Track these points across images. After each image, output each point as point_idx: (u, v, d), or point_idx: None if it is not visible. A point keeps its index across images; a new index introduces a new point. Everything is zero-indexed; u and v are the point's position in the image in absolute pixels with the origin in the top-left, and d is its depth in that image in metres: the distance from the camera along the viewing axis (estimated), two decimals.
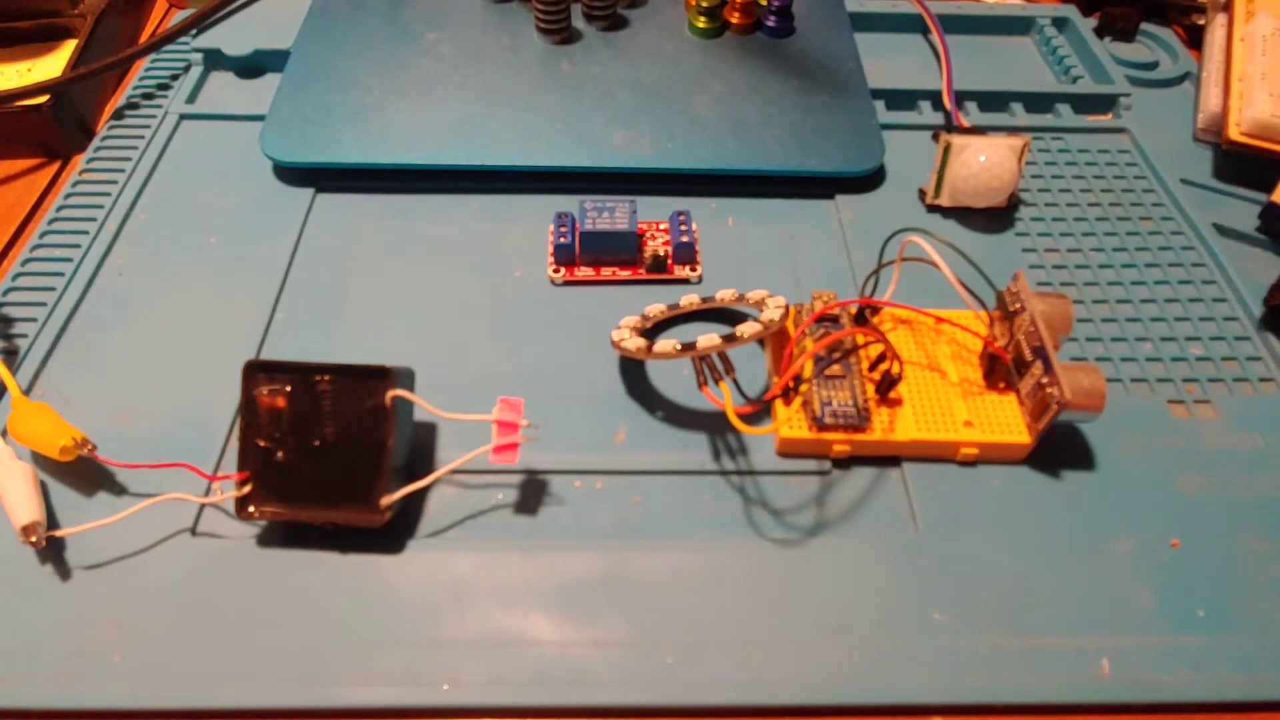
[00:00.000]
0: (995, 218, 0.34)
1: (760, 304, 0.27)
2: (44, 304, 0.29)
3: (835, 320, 0.28)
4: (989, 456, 0.26)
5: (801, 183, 0.34)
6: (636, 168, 0.33)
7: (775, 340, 0.28)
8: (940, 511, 0.25)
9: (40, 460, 0.25)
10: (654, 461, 0.26)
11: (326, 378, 0.23)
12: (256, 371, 0.23)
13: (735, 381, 0.25)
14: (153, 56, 0.39)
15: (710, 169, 0.34)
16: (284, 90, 0.35)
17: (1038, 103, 0.39)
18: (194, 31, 0.39)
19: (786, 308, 0.26)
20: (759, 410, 0.26)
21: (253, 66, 0.39)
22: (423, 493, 0.25)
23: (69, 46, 0.39)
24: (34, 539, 0.22)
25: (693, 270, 0.31)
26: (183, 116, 0.37)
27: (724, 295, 0.29)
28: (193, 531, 0.24)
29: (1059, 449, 0.26)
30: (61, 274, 0.30)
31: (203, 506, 0.25)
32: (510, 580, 0.23)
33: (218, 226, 0.32)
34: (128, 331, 0.29)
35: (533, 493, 0.25)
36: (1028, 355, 0.26)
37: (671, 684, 0.22)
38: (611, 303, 0.30)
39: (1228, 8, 0.39)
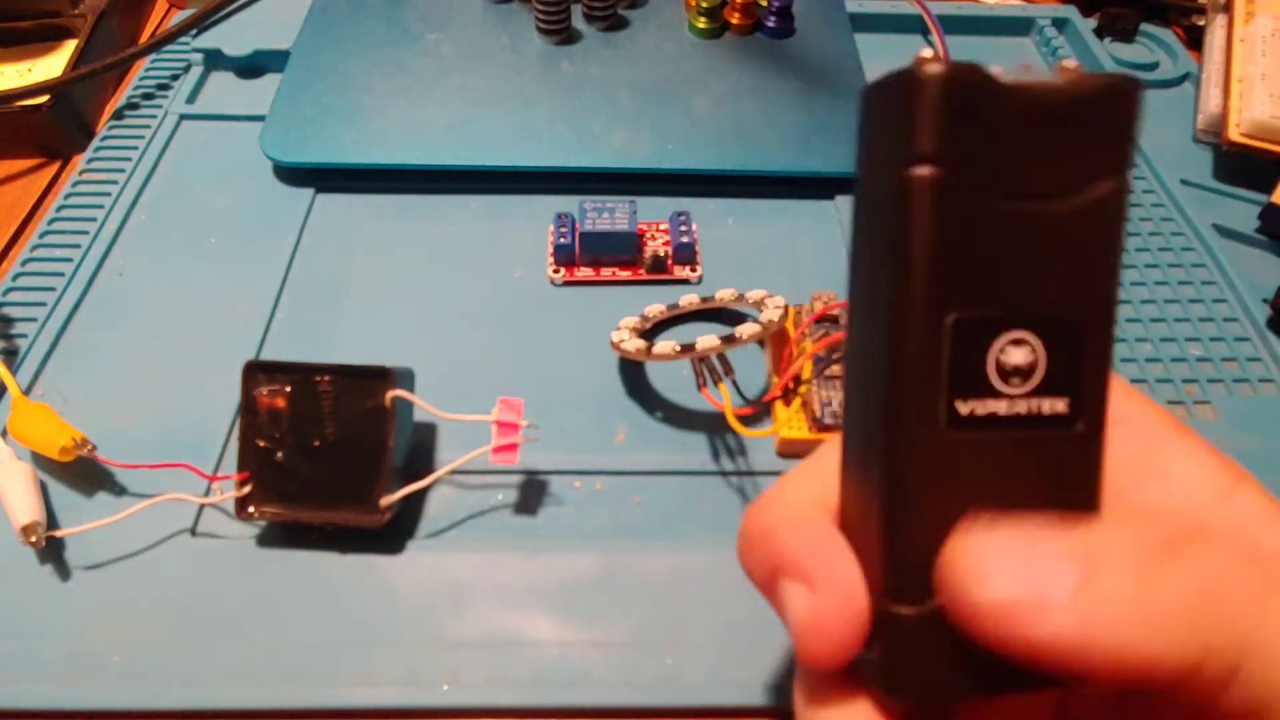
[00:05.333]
0: None
1: (760, 304, 0.27)
2: (44, 304, 0.29)
3: (835, 321, 0.28)
4: None
5: (801, 183, 0.34)
6: (636, 168, 0.33)
7: (775, 341, 0.28)
8: None
9: (40, 460, 0.25)
10: (654, 462, 0.26)
11: (326, 378, 0.23)
12: (256, 371, 0.23)
13: (734, 383, 0.25)
14: (153, 56, 0.39)
15: (710, 169, 0.34)
16: (284, 90, 0.35)
17: None
18: (194, 31, 0.39)
19: (786, 308, 0.26)
20: (759, 411, 0.26)
21: (253, 66, 0.39)
22: (423, 493, 0.25)
23: (69, 46, 0.39)
24: (34, 539, 0.22)
25: (693, 270, 0.31)
26: (183, 116, 0.37)
27: (723, 295, 0.29)
28: (193, 531, 0.24)
29: None
30: (61, 274, 0.30)
31: (202, 506, 0.25)
32: (510, 580, 0.23)
33: (218, 226, 0.32)
34: (128, 331, 0.29)
35: (533, 493, 0.25)
36: None
37: (671, 684, 0.22)
38: (611, 303, 0.30)
39: (1228, 9, 0.39)
